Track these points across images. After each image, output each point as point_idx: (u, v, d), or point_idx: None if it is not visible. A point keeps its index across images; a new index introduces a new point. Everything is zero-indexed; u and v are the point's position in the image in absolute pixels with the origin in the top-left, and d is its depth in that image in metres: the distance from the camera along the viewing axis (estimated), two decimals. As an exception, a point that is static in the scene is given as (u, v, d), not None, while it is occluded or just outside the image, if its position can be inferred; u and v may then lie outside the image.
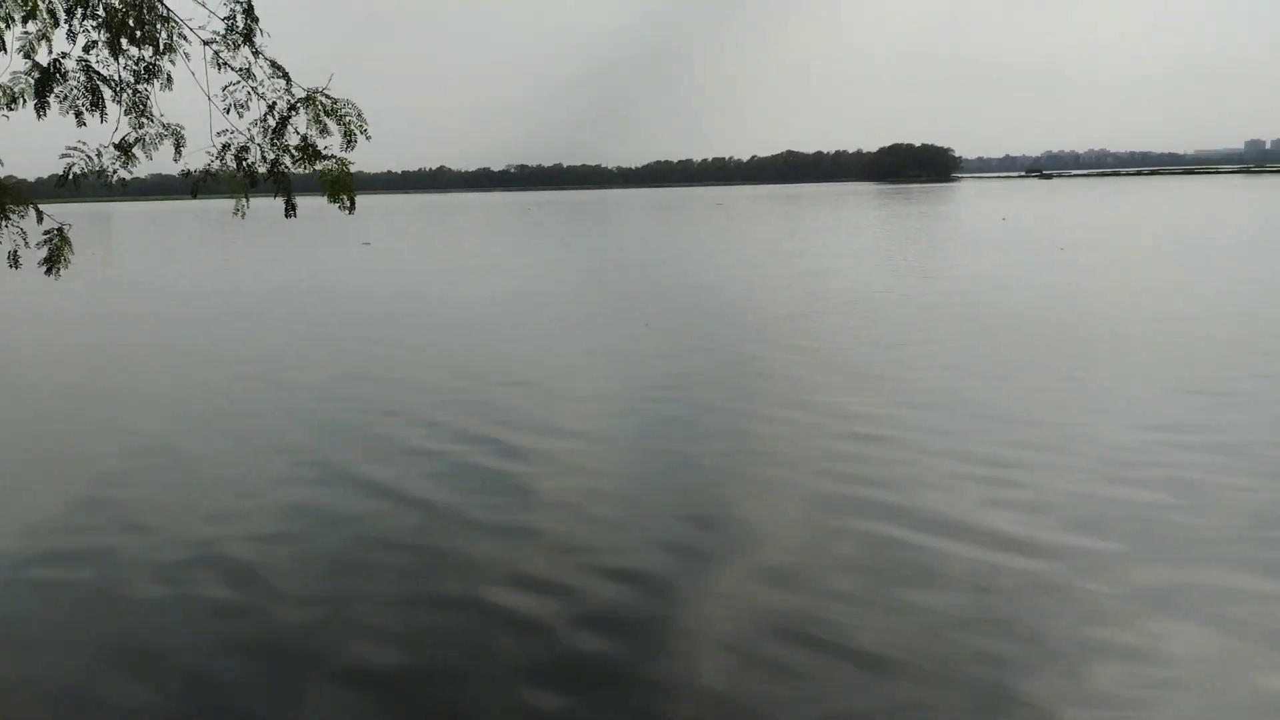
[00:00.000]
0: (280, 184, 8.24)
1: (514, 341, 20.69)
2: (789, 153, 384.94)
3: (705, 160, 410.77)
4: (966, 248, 43.72)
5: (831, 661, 6.77)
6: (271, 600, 7.97)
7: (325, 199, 8.34)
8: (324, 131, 8.04)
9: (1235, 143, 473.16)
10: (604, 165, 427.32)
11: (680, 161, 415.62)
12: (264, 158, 8.12)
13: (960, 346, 18.46)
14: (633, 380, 16.41)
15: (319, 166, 8.17)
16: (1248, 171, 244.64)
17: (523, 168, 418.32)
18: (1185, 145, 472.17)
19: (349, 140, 8.05)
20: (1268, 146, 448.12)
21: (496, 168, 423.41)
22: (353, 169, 8.21)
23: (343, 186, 8.26)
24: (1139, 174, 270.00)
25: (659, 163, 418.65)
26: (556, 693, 6.50)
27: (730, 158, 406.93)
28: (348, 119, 8.02)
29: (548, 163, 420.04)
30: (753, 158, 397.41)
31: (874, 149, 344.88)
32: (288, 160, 8.16)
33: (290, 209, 8.44)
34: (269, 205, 8.90)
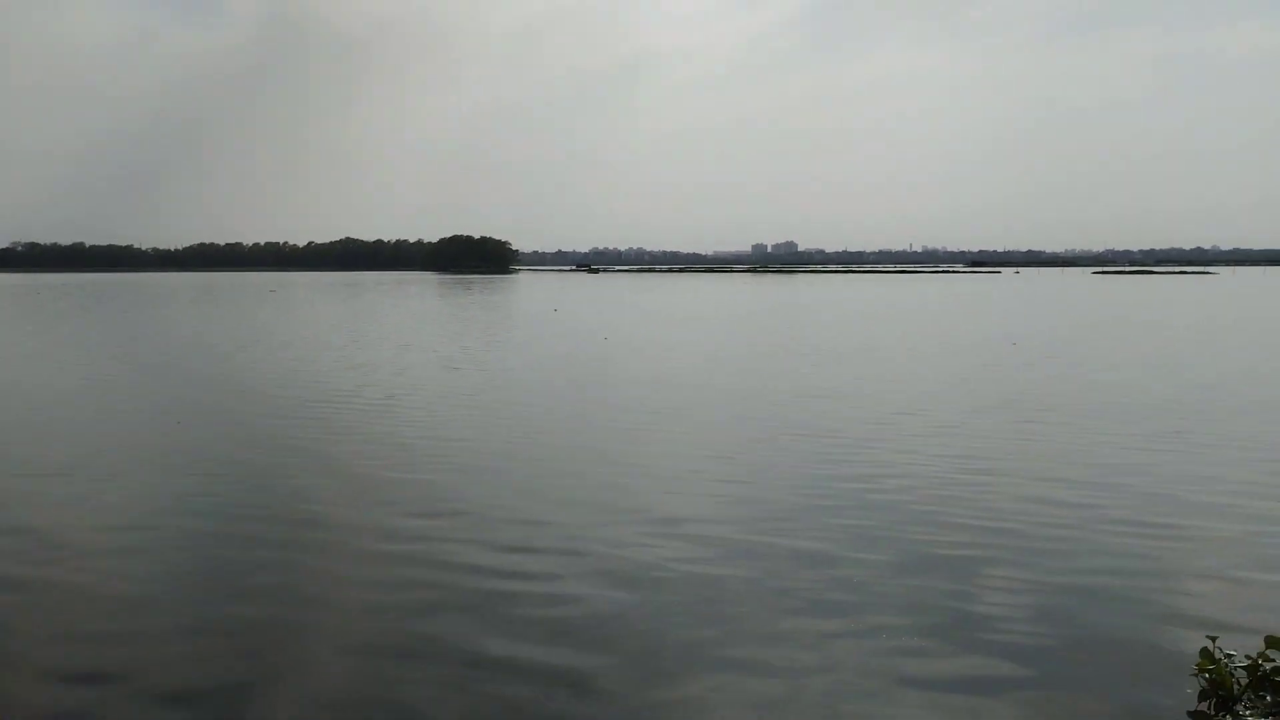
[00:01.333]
0: None
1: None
2: (348, 239, 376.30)
3: (257, 244, 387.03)
4: (519, 338, 43.51)
5: None
6: None
7: None
8: None
9: (744, 246, 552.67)
10: (137, 246, 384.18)
11: (229, 244, 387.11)
12: None
13: (503, 440, 17.15)
14: (148, 493, 13.68)
15: None
16: (754, 271, 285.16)
17: (33, 246, 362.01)
18: (706, 246, 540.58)
19: None
20: (769, 250, 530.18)
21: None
22: None
23: None
24: (670, 270, 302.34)
25: (204, 245, 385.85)
26: None
27: (285, 243, 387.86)
28: None
29: (65, 240, 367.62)
30: (310, 244, 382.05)
31: (435, 239, 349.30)
32: None
33: None
34: None
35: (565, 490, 13.90)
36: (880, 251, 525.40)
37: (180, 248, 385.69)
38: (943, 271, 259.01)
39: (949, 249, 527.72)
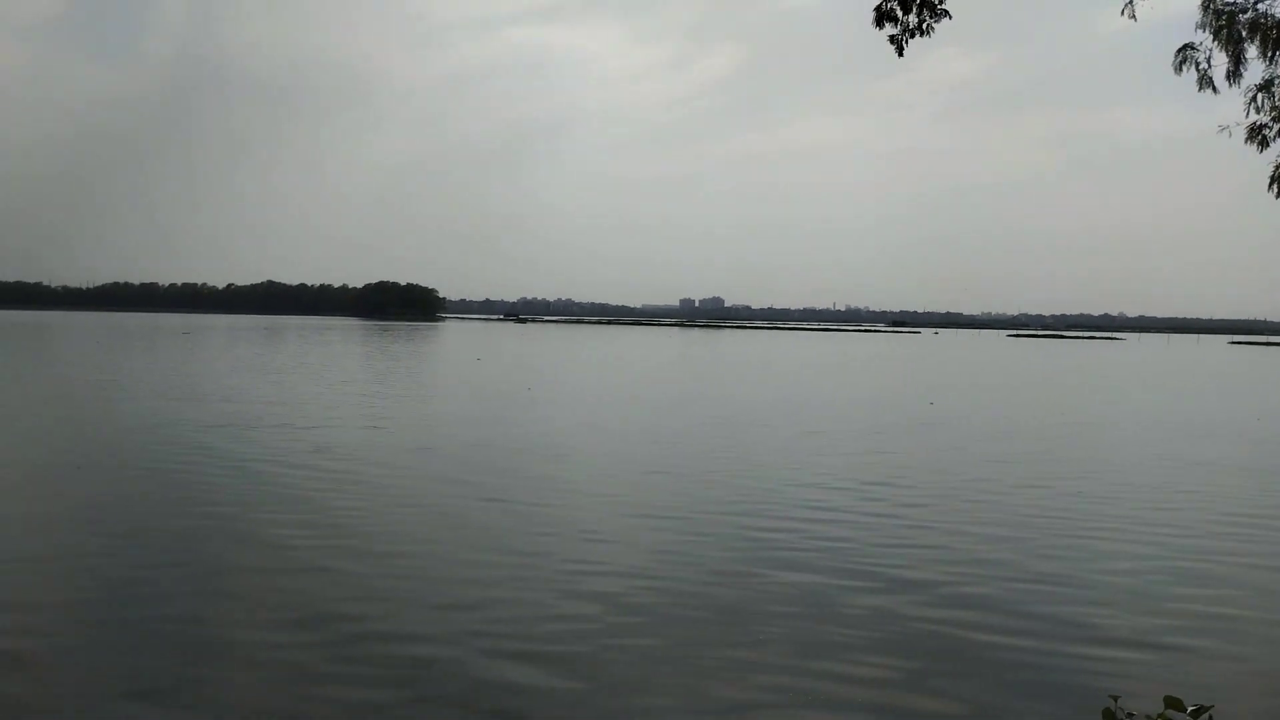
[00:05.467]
0: None
1: None
2: (270, 283, 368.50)
3: (174, 285, 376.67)
4: (438, 389, 42.58)
5: None
6: None
7: None
8: None
9: (672, 300, 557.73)
10: (46, 283, 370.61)
11: (143, 285, 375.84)
12: None
13: (411, 504, 16.23)
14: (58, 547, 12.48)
15: None
16: (681, 325, 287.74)
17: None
18: (635, 300, 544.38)
19: None
20: (696, 305, 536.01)
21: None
22: None
23: None
24: (598, 322, 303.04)
25: (117, 284, 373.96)
26: None
27: (204, 284, 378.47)
28: None
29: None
30: (229, 286, 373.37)
31: (360, 285, 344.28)
32: None
33: None
34: None
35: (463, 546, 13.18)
36: (805, 310, 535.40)
37: (91, 286, 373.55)
38: (865, 330, 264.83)
39: (871, 309, 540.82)
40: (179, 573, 11.82)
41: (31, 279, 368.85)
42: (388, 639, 9.75)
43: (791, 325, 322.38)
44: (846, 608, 11.07)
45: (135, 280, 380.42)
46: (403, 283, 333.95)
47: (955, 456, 23.80)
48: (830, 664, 9.33)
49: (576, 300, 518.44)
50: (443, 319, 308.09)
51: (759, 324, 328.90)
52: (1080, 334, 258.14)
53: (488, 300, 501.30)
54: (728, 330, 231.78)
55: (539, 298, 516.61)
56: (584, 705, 8.32)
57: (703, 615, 10.71)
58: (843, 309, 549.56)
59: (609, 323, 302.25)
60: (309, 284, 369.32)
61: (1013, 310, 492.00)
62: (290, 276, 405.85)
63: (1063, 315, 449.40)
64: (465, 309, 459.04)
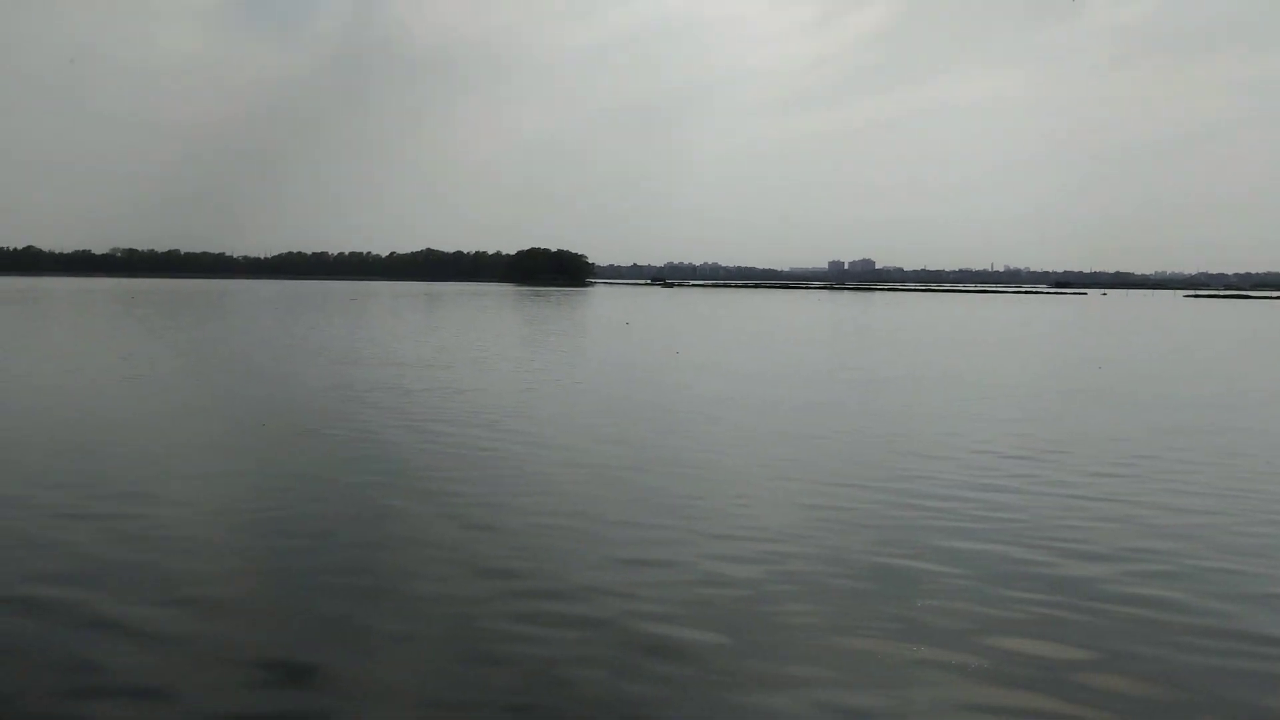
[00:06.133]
0: None
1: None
2: (429, 250, 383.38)
3: (342, 254, 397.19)
4: (590, 352, 43.45)
5: None
6: None
7: None
8: None
9: (820, 263, 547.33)
10: (229, 254, 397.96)
11: (315, 254, 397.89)
12: None
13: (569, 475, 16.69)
14: (241, 495, 13.26)
15: None
16: (830, 288, 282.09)
17: (132, 252, 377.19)
18: (782, 263, 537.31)
19: None
20: (845, 267, 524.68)
21: (99, 250, 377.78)
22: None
23: None
24: (744, 286, 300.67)
25: (291, 254, 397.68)
26: None
27: (369, 253, 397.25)
28: None
29: (161, 248, 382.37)
30: (392, 254, 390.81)
31: (513, 251, 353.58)
32: None
33: None
34: None
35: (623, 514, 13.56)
36: (960, 270, 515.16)
37: (270, 255, 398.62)
38: (1026, 292, 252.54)
39: (1032, 269, 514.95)
40: (336, 541, 12.40)
41: (215, 249, 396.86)
42: (522, 616, 10.13)
43: (946, 287, 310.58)
44: (1007, 586, 10.77)
45: (307, 250, 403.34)
46: (553, 249, 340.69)
47: (1129, 427, 22.54)
48: (990, 646, 9.13)
49: (723, 264, 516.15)
50: (592, 284, 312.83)
51: (912, 286, 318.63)
52: (1269, 294, 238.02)
53: (635, 265, 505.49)
54: (879, 293, 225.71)
55: (685, 262, 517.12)
56: (734, 674, 8.43)
57: (857, 587, 10.63)
58: (1001, 269, 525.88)
59: (755, 286, 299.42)
60: (465, 251, 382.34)
61: (1190, 269, 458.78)
62: (448, 244, 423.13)
63: (1248, 274, 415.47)
64: (613, 274, 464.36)
